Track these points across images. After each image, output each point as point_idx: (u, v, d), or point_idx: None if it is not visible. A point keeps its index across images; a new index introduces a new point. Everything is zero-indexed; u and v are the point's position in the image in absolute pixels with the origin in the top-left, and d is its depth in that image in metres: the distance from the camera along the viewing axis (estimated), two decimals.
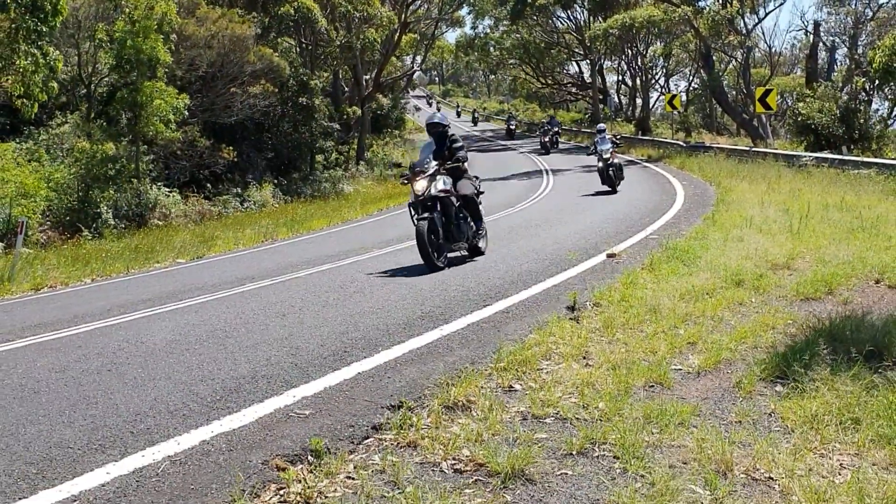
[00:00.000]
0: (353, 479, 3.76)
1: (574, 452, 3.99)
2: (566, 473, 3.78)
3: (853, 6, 41.59)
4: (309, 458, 3.98)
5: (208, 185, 26.09)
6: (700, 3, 36.85)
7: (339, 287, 9.27)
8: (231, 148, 26.58)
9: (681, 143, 34.37)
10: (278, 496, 3.60)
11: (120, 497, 3.58)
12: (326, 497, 3.57)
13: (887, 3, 39.26)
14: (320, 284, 9.68)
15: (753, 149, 27.91)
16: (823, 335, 5.57)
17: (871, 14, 40.38)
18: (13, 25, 16.87)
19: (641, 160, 32.33)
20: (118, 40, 21.14)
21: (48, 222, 19.43)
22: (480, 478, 3.74)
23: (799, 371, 4.85)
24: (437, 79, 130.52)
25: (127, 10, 21.54)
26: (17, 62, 17.27)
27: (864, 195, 15.39)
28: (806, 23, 72.26)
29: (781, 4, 72.97)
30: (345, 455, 3.99)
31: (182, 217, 22.22)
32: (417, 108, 72.41)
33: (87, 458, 4.07)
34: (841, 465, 3.84)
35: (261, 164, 29.92)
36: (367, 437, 4.30)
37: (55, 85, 18.01)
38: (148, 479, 3.76)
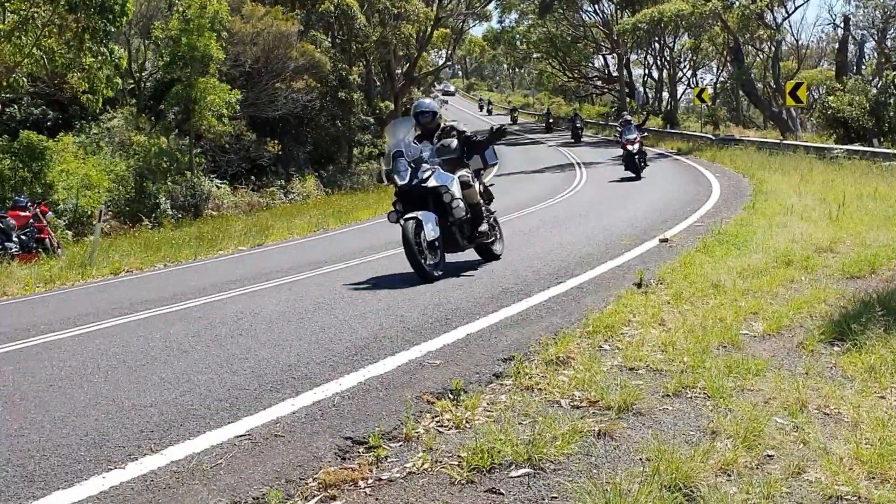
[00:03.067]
0: (490, 411, 4.55)
1: (670, 394, 4.75)
2: (667, 408, 4.54)
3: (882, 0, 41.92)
4: (449, 395, 4.77)
5: (253, 177, 27.04)
6: None
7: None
8: (275, 141, 27.51)
9: (710, 136, 34.90)
10: (435, 422, 4.41)
11: (313, 420, 4.42)
12: (473, 423, 4.36)
13: None
14: (395, 267, 10.47)
15: (783, 142, 28.44)
16: (876, 304, 6.30)
17: None
18: (80, 25, 17.82)
19: (671, 153, 32.92)
20: (173, 38, 22.08)
21: (110, 212, 20.42)
22: (596, 411, 4.52)
23: (857, 331, 5.59)
24: (460, 73, 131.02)
25: (180, 8, 22.48)
26: (84, 60, 18.24)
27: None
28: (834, 16, 72.42)
29: None
30: (478, 394, 4.79)
31: (233, 208, 23.19)
32: (445, 101, 73.42)
33: (267, 396, 4.90)
34: None
35: (301, 157, 30.85)
36: (491, 382, 5.09)
37: (119, 81, 18.99)
38: (328, 409, 4.60)
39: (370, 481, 3.71)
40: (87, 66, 18.19)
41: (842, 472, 3.60)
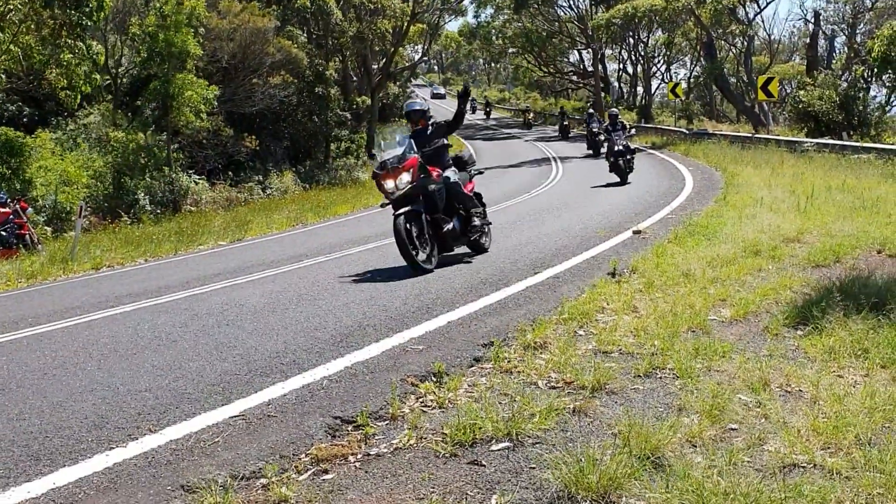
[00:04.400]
0: (472, 392, 4.80)
1: (642, 374, 5.01)
2: (638, 388, 4.81)
3: None
4: (432, 378, 5.02)
5: (230, 172, 27.10)
6: None
7: (393, 262, 10.28)
8: (253, 137, 27.59)
9: (684, 131, 35.31)
10: (420, 402, 4.65)
11: (303, 402, 4.66)
12: (455, 403, 4.60)
13: None
14: (375, 260, 10.70)
15: (755, 135, 28.89)
16: (835, 290, 6.60)
17: (870, 4, 41.38)
18: (57, 22, 17.84)
19: (646, 147, 33.29)
20: (150, 34, 22.10)
21: (89, 208, 20.43)
22: (571, 391, 4.77)
23: (817, 315, 5.89)
24: (436, 67, 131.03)
25: (157, 4, 22.50)
26: (62, 56, 18.26)
27: (865, 178, 16.36)
28: (805, 11, 73.40)
29: None
30: (460, 377, 5.03)
31: (212, 203, 23.28)
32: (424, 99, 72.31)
33: (257, 381, 5.12)
34: (855, 382, 4.86)
35: (278, 152, 30.93)
36: (472, 366, 5.34)
37: (97, 77, 19.01)
38: (317, 391, 4.83)
39: (359, 456, 3.94)
40: (64, 62, 18.20)
41: (799, 443, 3.88)
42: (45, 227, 18.20)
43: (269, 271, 10.57)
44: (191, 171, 24.00)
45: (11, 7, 16.80)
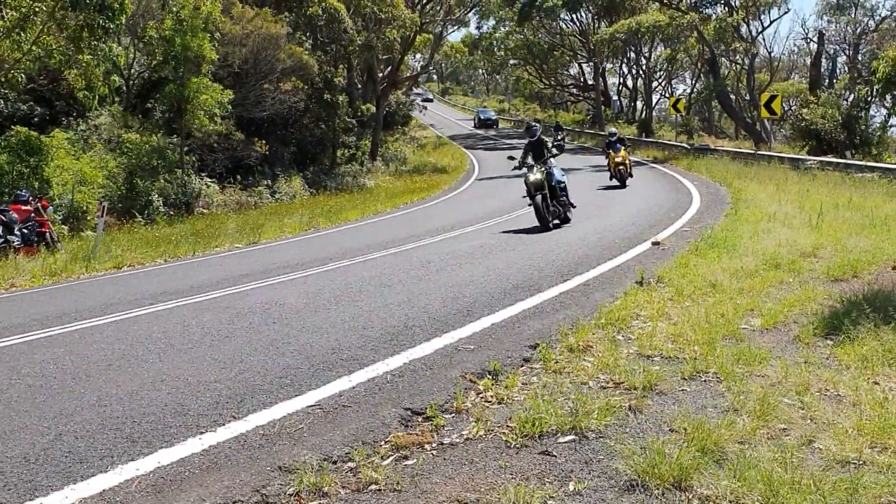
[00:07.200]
0: (526, 390, 5.05)
1: (687, 377, 5.27)
2: (686, 389, 5.06)
3: (853, 16, 43.12)
4: (489, 375, 5.27)
5: (239, 176, 27.27)
6: (707, 11, 38.18)
7: (420, 266, 10.54)
8: (263, 142, 27.80)
9: (685, 146, 35.59)
10: (480, 397, 4.90)
11: (372, 394, 4.91)
12: (514, 399, 4.85)
13: (890, 14, 40.78)
14: (401, 264, 10.94)
15: (757, 152, 29.21)
16: (864, 303, 6.88)
17: (874, 25, 41.87)
18: (79, 24, 18.05)
19: (648, 161, 33.60)
20: (166, 37, 22.34)
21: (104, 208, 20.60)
22: (622, 391, 5.03)
23: (849, 325, 6.16)
24: (435, 77, 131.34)
25: (174, 8, 22.74)
26: (81, 57, 18.48)
27: (870, 196, 16.65)
28: (807, 30, 74.01)
29: (785, 13, 74.38)
30: (514, 375, 5.28)
31: (223, 206, 23.48)
32: (424, 108, 72.26)
33: (322, 375, 5.37)
34: (890, 388, 5.13)
35: (286, 157, 31.13)
36: (522, 366, 5.59)
37: (116, 79, 19.23)
38: (384, 385, 5.08)
39: (434, 445, 4.19)
40: (83, 64, 18.42)
41: (848, 442, 4.13)
42: (62, 226, 18.37)
43: (296, 273, 10.79)
44: (202, 174, 24.21)
45: (38, 7, 17.01)
